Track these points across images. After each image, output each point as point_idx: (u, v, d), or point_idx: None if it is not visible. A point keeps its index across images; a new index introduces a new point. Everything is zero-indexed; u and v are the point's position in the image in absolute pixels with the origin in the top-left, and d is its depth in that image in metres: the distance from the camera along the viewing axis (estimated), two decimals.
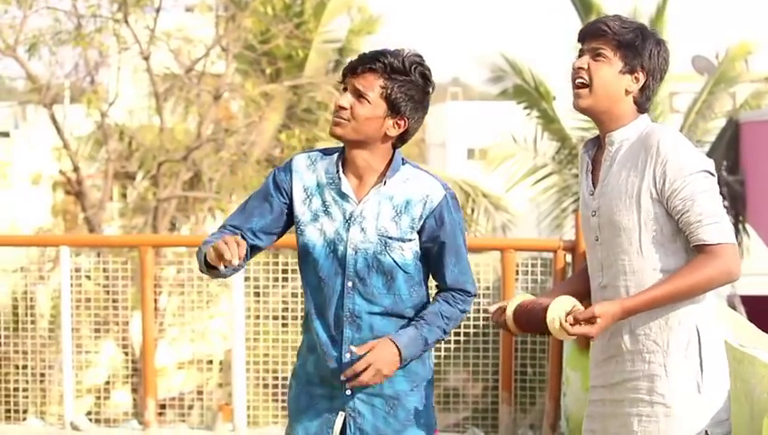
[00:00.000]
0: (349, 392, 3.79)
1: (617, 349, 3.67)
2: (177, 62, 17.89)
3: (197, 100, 17.97)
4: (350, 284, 3.75)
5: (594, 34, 3.66)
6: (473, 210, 20.75)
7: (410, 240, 3.75)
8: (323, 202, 3.77)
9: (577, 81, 3.65)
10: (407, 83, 3.69)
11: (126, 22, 15.85)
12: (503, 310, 3.69)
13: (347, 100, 3.70)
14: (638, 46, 3.62)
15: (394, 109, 3.69)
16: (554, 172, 20.19)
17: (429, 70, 3.76)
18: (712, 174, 3.54)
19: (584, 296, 3.84)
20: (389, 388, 3.81)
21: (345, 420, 3.81)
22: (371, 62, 3.68)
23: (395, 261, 3.74)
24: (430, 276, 3.90)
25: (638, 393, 3.61)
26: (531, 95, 20.01)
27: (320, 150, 3.87)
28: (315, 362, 3.85)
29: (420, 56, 3.74)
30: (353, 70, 3.71)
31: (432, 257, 3.81)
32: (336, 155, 3.81)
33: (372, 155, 3.75)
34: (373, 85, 3.68)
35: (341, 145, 3.82)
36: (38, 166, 20.62)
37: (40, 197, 24.46)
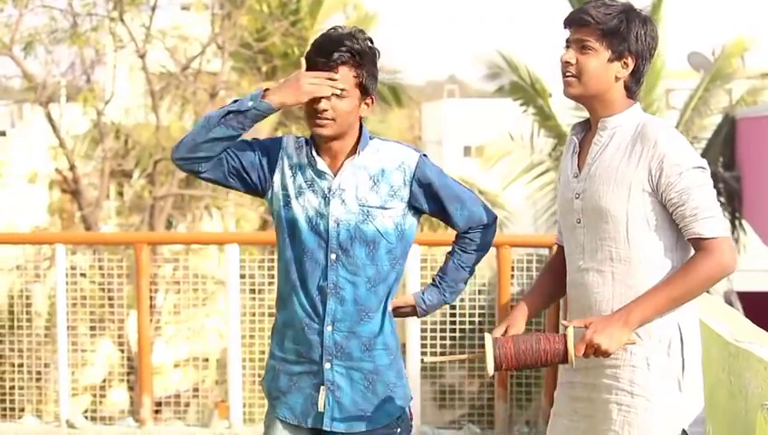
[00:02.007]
0: (328, 365, 3.77)
1: None
2: (172, 61, 17.92)
3: (193, 98, 17.99)
4: (333, 256, 3.76)
5: (578, 24, 3.63)
6: None
7: (391, 208, 3.78)
8: (305, 180, 3.79)
9: (566, 74, 3.65)
10: (369, 63, 3.74)
11: (122, 20, 15.87)
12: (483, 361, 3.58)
13: (326, 101, 3.69)
14: (623, 32, 3.59)
15: (365, 92, 3.75)
16: (551, 169, 20.12)
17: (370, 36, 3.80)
18: (706, 170, 3.55)
19: (556, 296, 3.87)
20: (370, 362, 3.79)
21: (325, 393, 3.79)
22: (341, 55, 3.68)
23: (377, 229, 3.76)
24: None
25: (618, 381, 3.59)
26: (527, 92, 19.96)
27: (305, 138, 3.91)
28: (293, 338, 3.82)
29: (358, 28, 3.78)
30: (327, 69, 3.69)
31: (437, 214, 3.86)
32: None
33: (347, 136, 3.78)
34: (348, 78, 3.69)
35: None
36: (34, 164, 20.63)
37: (36, 195, 24.43)
